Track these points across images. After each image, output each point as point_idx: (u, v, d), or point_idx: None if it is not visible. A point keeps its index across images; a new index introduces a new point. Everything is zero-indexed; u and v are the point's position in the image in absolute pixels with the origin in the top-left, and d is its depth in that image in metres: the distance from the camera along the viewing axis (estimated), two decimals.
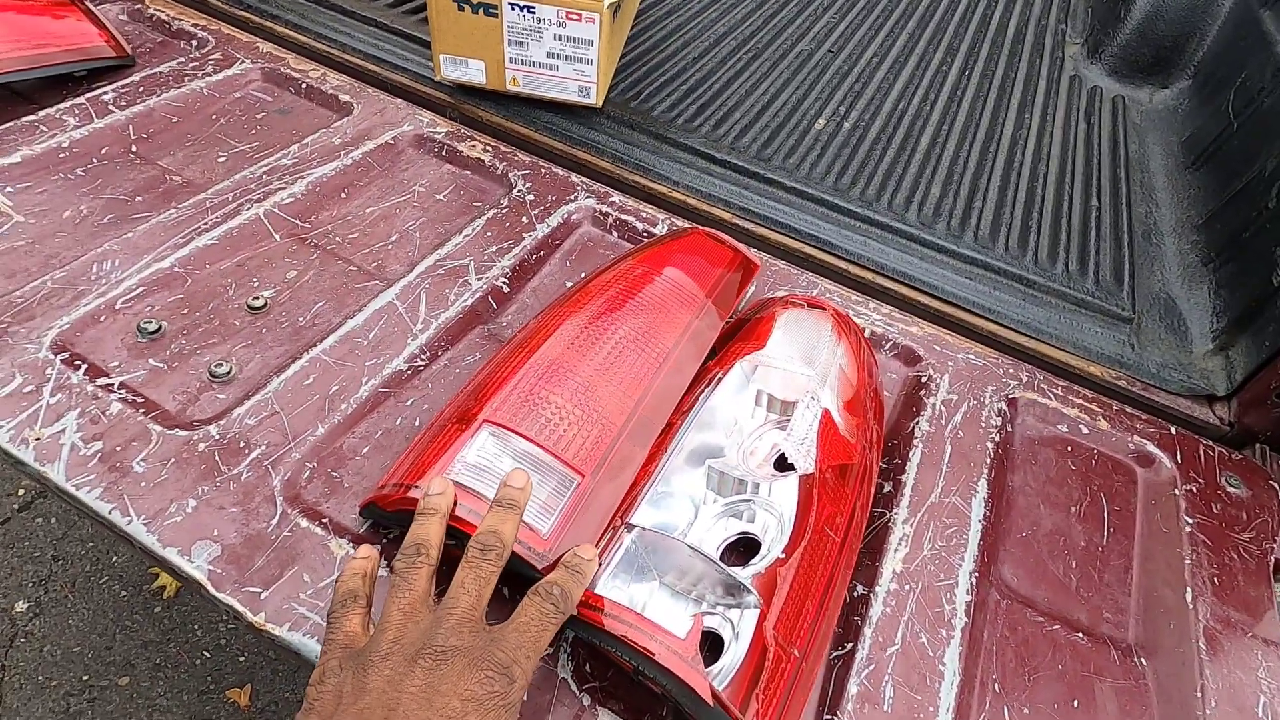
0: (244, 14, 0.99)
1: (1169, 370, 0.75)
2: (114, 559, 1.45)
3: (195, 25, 0.96)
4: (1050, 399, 0.71)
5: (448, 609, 0.37)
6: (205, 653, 1.36)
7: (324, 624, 0.45)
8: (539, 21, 0.82)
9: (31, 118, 0.79)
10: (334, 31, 0.98)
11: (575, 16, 0.81)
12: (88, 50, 0.85)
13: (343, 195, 0.79)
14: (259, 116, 0.87)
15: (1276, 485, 0.66)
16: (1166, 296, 0.83)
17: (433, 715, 0.31)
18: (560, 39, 0.84)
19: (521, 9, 0.81)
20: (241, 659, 1.36)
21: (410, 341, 0.64)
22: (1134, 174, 1.02)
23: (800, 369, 0.57)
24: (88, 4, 0.88)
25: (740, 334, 0.62)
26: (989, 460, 0.64)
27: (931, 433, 0.65)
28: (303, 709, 0.35)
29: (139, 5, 0.98)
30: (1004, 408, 0.69)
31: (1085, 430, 0.69)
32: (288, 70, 0.92)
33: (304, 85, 0.91)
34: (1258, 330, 0.73)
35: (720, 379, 0.56)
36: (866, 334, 0.74)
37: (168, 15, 0.97)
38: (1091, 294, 0.81)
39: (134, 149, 0.79)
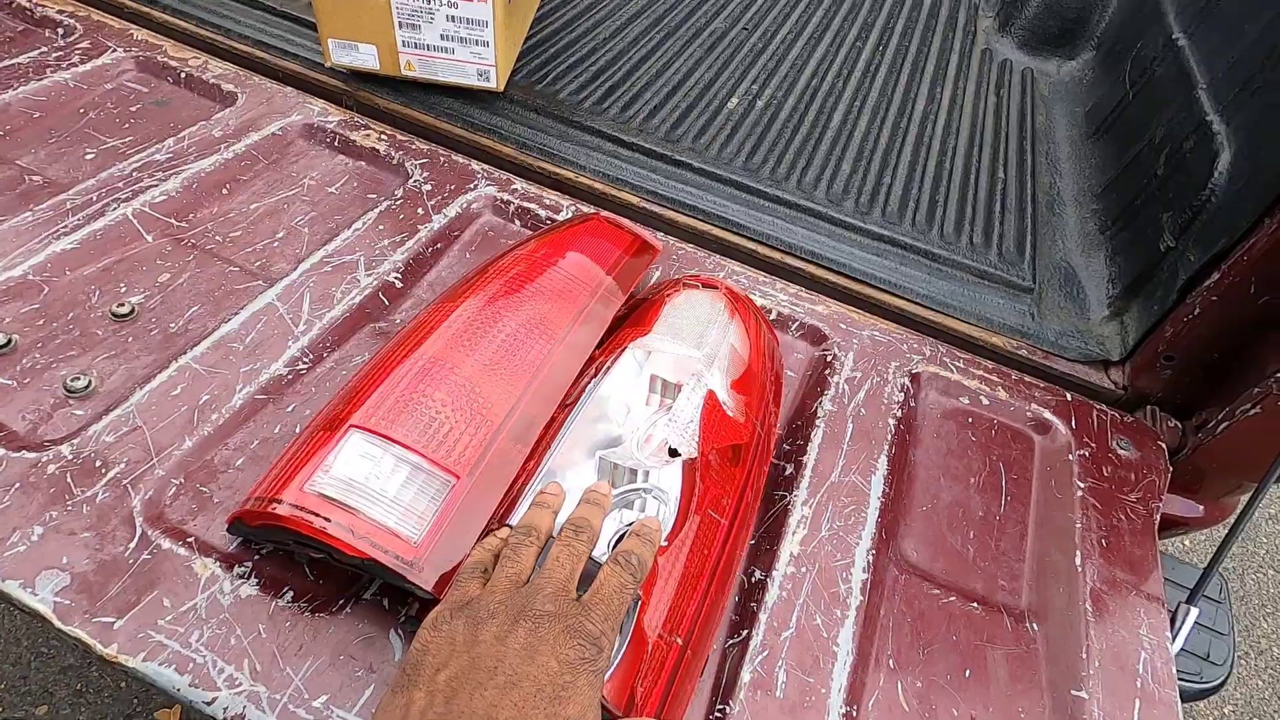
0: None
1: (1067, 338, 0.76)
2: None
3: (61, 12, 0.89)
4: (952, 372, 0.72)
5: (545, 579, 0.41)
6: None
7: (182, 650, 0.43)
8: (429, 2, 0.79)
9: None
10: (217, 16, 0.92)
11: None
12: None
13: (224, 191, 0.74)
14: (133, 109, 0.81)
15: (1164, 445, 0.68)
16: (1066, 265, 0.85)
17: (534, 670, 0.36)
18: (453, 20, 0.80)
19: None
20: None
21: (291, 344, 0.60)
22: (1040, 145, 1.04)
23: (687, 351, 0.56)
24: None
25: (629, 320, 0.60)
26: (890, 436, 0.64)
27: (834, 412, 0.65)
28: (415, 649, 0.39)
29: None
30: (907, 383, 0.69)
31: (986, 401, 0.70)
32: (165, 59, 0.86)
33: (183, 74, 0.85)
34: (1148, 295, 0.75)
35: (607, 368, 0.54)
36: (772, 315, 0.73)
37: (30, 2, 0.90)
38: (995, 266, 0.82)
39: None
